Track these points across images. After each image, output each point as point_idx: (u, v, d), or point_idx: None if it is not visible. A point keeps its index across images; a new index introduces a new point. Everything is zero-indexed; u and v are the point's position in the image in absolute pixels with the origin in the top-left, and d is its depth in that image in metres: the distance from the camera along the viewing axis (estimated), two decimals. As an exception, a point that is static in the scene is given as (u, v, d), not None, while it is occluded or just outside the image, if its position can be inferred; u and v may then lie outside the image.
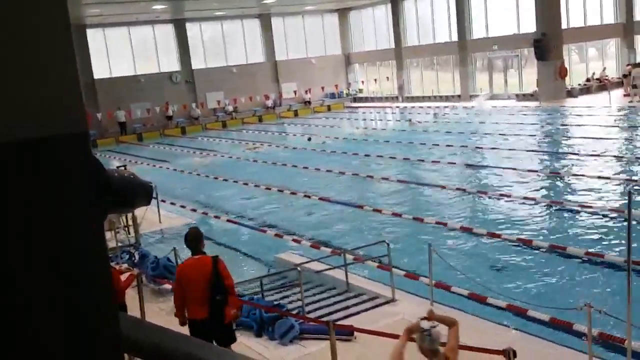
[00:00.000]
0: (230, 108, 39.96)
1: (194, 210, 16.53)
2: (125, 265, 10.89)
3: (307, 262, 10.03)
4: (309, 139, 27.97)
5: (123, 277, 7.49)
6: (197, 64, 39.72)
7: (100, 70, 36.27)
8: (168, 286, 9.71)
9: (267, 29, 42.18)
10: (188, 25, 39.23)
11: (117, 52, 37.53)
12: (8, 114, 1.28)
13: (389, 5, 41.15)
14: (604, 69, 35.08)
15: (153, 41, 38.79)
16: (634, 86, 28.87)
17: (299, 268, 8.93)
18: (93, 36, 36.10)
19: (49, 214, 1.34)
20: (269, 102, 41.22)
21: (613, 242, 10.59)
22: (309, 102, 42.17)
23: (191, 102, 39.02)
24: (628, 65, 32.13)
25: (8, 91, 1.28)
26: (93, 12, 30.93)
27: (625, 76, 31.83)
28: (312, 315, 8.28)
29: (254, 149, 27.29)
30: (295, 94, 42.21)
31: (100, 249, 1.45)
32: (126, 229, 13.16)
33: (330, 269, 9.85)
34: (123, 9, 31.37)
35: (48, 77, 1.32)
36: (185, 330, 6.44)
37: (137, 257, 11.15)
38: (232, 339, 6.73)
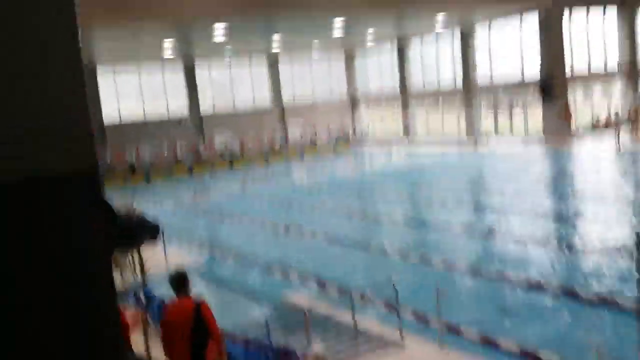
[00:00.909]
0: (238, 149, 40.25)
1: (201, 249, 16.48)
2: (131, 307, 10.82)
3: (314, 304, 9.93)
4: (301, 178, 28.57)
5: (129, 319, 7.43)
6: (205, 105, 40.18)
7: (109, 111, 36.73)
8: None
9: (274, 72, 42.75)
10: (197, 70, 39.80)
11: (127, 94, 38.05)
12: (21, 152, 1.29)
13: (395, 50, 41.71)
14: (609, 110, 35.21)
15: (162, 85, 39.34)
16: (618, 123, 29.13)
17: (305, 310, 8.83)
18: (103, 78, 36.66)
19: (59, 251, 1.34)
20: (276, 144, 41.51)
21: (622, 285, 10.45)
22: (316, 143, 42.39)
23: (199, 143, 39.35)
24: (633, 107, 32.24)
25: (23, 130, 1.29)
26: (104, 54, 31.46)
27: (630, 119, 31.92)
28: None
29: (246, 185, 27.77)
30: (302, 135, 42.52)
31: (109, 288, 1.44)
32: (132, 269, 13.12)
33: (337, 311, 9.75)
34: (134, 52, 31.92)
35: (61, 117, 1.34)
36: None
37: (143, 297, 11.07)
38: None
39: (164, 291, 11.24)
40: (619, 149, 27.91)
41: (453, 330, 8.78)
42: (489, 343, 8.42)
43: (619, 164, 24.25)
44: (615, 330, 8.81)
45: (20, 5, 1.29)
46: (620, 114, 30.62)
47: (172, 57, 36.01)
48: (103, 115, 36.14)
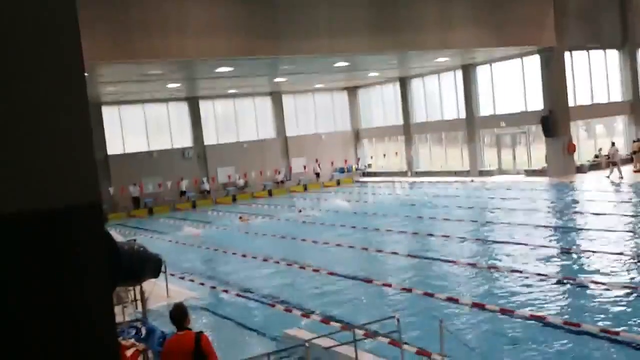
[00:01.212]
0: (242, 182, 40.36)
1: (203, 284, 16.43)
2: (131, 340, 10.75)
3: (315, 338, 9.85)
4: (300, 211, 28.98)
5: (129, 353, 7.39)
6: (209, 139, 40.43)
7: (114, 146, 36.97)
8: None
9: (278, 105, 43.10)
10: (201, 103, 40.16)
11: (131, 129, 38.35)
12: (23, 185, 1.32)
13: (397, 84, 42.10)
14: (613, 144, 35.28)
15: (167, 118, 39.66)
16: (614, 163, 29.50)
17: (307, 344, 8.77)
18: (108, 113, 36.99)
19: (58, 285, 1.36)
20: (279, 177, 41.64)
21: (627, 319, 10.37)
22: (319, 175, 42.44)
23: (202, 177, 39.48)
24: (636, 141, 32.39)
25: (24, 163, 1.33)
26: (109, 90, 31.83)
27: (634, 152, 32.04)
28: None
29: (246, 220, 28.16)
30: (305, 168, 42.64)
31: (109, 322, 1.46)
32: (134, 303, 13.06)
33: (339, 345, 9.67)
34: (138, 87, 32.30)
35: (64, 151, 1.38)
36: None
37: (143, 332, 10.99)
38: None
39: (166, 325, 11.18)
40: (613, 182, 28.04)
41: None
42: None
43: (612, 196, 24.23)
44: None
45: (27, 41, 1.33)
46: (615, 145, 30.80)
47: (176, 94, 36.46)
48: (107, 148, 36.36)
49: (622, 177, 28.76)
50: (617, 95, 36.00)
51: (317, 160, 42.56)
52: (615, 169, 29.16)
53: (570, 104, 32.96)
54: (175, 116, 40.00)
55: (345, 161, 44.45)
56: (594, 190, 26.56)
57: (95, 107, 35.08)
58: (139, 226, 31.15)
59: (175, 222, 31.56)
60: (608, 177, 28.78)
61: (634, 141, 32.67)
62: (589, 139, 36.21)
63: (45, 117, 1.39)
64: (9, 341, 1.33)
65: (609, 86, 35.70)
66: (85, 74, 1.46)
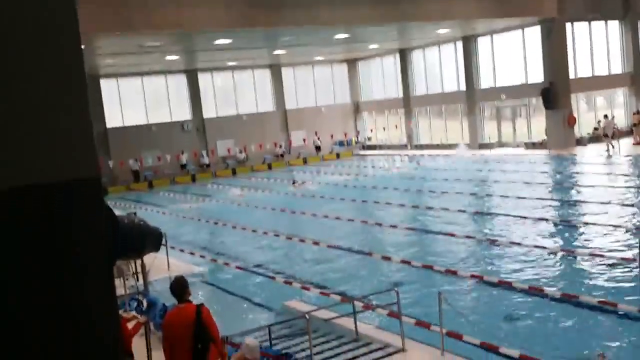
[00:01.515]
0: (242, 156, 40.25)
1: (203, 257, 16.51)
2: (133, 313, 10.84)
3: (315, 310, 9.94)
4: (294, 183, 29.54)
5: (130, 325, 7.45)
6: (208, 112, 40.26)
7: (113, 119, 36.83)
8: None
9: (277, 78, 42.83)
10: (200, 75, 39.91)
11: (130, 102, 38.16)
12: (22, 159, 1.31)
13: (397, 55, 41.80)
14: (613, 117, 35.18)
15: (165, 90, 39.45)
16: (605, 135, 29.49)
17: (307, 316, 8.84)
18: (107, 86, 36.77)
19: (59, 259, 1.36)
20: (279, 150, 41.47)
21: (625, 290, 10.44)
22: (319, 148, 42.29)
23: (202, 150, 39.40)
24: (636, 113, 32.28)
25: (22, 137, 1.31)
26: (107, 62, 31.59)
27: (634, 125, 31.95)
28: (320, 365, 8.16)
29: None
30: (305, 141, 42.51)
31: (109, 295, 1.46)
32: (135, 276, 13.13)
33: (339, 317, 9.76)
34: (137, 60, 32.04)
35: (62, 124, 1.36)
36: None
37: (145, 304, 11.08)
38: None
39: (167, 298, 11.26)
40: (610, 155, 28.04)
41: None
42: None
43: (612, 169, 24.22)
44: None
45: (23, 15, 1.31)
46: (609, 117, 30.71)
47: (175, 67, 36.18)
48: (106, 122, 36.23)
49: (613, 147, 28.73)
50: (617, 67, 35.77)
51: (317, 134, 42.42)
52: (611, 142, 29.11)
53: (571, 76, 32.78)
54: (174, 89, 39.77)
55: (345, 134, 44.32)
56: (594, 163, 26.56)
57: (93, 79, 34.86)
58: (139, 200, 31.20)
59: (175, 195, 31.59)
60: (607, 151, 28.72)
61: (634, 113, 32.55)
62: (589, 112, 36.08)
63: (42, 90, 1.37)
64: (7, 316, 1.33)
65: (610, 58, 35.46)
66: (82, 46, 1.43)
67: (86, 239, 1.46)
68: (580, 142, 32.90)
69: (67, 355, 1.40)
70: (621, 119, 35.27)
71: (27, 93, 1.39)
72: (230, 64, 39.34)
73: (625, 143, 30.29)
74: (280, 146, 41.68)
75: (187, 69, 38.97)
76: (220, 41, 27.48)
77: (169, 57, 32.48)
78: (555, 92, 31.70)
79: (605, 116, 31.06)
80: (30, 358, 1.36)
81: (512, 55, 34.83)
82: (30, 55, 1.36)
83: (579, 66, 34.28)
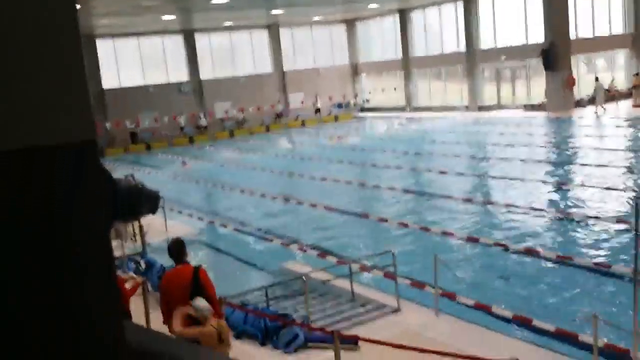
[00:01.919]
0: (241, 116, 40.00)
1: (201, 218, 16.58)
2: (130, 274, 10.93)
3: (312, 272, 10.03)
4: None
5: (128, 286, 7.52)
6: (205, 74, 39.93)
7: (109, 80, 36.54)
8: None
9: (275, 39, 42.36)
10: (197, 36, 39.47)
11: (127, 63, 37.80)
12: (17, 122, 1.30)
13: (397, 16, 41.28)
14: (613, 79, 34.98)
15: (162, 51, 39.05)
16: (594, 98, 29.97)
17: (304, 277, 8.92)
18: (102, 47, 36.38)
19: (56, 221, 1.36)
20: (278, 108, 41.01)
21: (620, 253, 10.53)
22: (319, 110, 42.03)
23: (199, 112, 39.20)
24: (636, 74, 32.08)
25: (17, 99, 1.30)
26: (103, 22, 31.18)
27: (634, 87, 31.77)
28: (317, 325, 8.27)
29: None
30: (303, 103, 42.23)
31: (107, 256, 1.47)
32: (133, 237, 13.22)
33: (335, 278, 9.86)
34: (133, 20, 31.63)
35: (57, 86, 1.35)
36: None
37: (143, 265, 11.18)
38: None
39: (164, 260, 11.36)
40: (599, 115, 28.12)
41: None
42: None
43: (620, 132, 24.18)
44: None
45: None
46: (599, 81, 30.62)
47: (171, 27, 35.74)
48: (103, 83, 35.95)
49: (603, 109, 28.91)
50: (619, 27, 35.37)
51: (317, 96, 42.04)
52: (602, 105, 29.20)
53: (572, 36, 32.43)
54: (170, 50, 39.35)
55: (344, 96, 44.04)
56: (592, 126, 26.49)
57: (89, 39, 34.47)
58: (136, 161, 31.18)
59: (173, 157, 31.57)
60: (596, 113, 28.93)
61: (635, 75, 32.34)
62: (589, 73, 35.83)
63: (35, 49, 1.35)
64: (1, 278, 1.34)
65: (611, 18, 35.04)
66: (77, 5, 1.41)
67: (84, 204, 1.45)
68: (579, 104, 32.76)
69: (67, 355, 1.41)
70: (621, 81, 35.08)
71: (18, 53, 1.37)
72: (228, 24, 38.86)
73: (625, 105, 30.17)
74: (278, 101, 41.19)
75: (184, 29, 38.51)
76: (217, 0, 27.09)
77: (165, 17, 32.06)
78: (555, 53, 31.41)
79: (596, 79, 30.93)
80: (30, 358, 1.38)
81: (513, 15, 34.39)
82: (23, 15, 1.34)
83: (580, 26, 33.90)
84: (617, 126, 25.77)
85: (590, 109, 30.93)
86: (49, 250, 1.40)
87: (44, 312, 1.37)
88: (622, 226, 11.87)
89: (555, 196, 15.35)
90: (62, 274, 1.43)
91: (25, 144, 1.36)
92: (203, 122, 39.10)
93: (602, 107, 28.97)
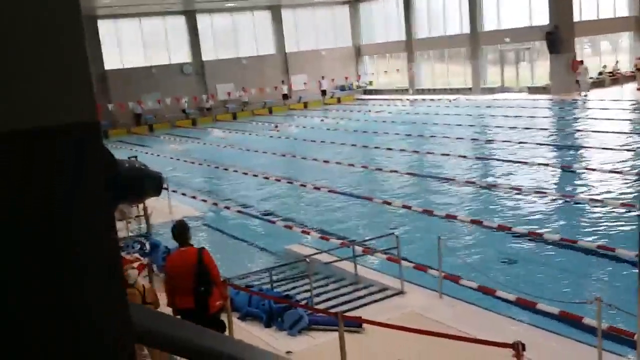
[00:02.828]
0: (246, 99, 39.77)
1: (205, 200, 16.59)
2: (135, 255, 10.97)
3: (316, 254, 10.05)
4: (276, 127, 30.59)
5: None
6: (207, 55, 39.75)
7: (111, 61, 36.40)
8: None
9: (277, 20, 42.11)
10: (199, 17, 39.23)
11: (129, 44, 37.63)
12: (17, 103, 1.28)
13: (400, -2, 40.98)
14: (617, 62, 34.78)
15: (164, 32, 38.86)
16: (577, 82, 30.53)
17: (308, 259, 8.95)
18: (105, 27, 36.19)
19: (58, 203, 1.34)
20: (283, 89, 40.80)
21: (624, 236, 10.52)
22: (325, 92, 41.78)
23: (201, 94, 39.07)
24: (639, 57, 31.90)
25: (17, 80, 1.28)
26: (105, 3, 31.00)
27: (638, 69, 31.59)
28: (321, 307, 8.30)
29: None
30: (305, 85, 42.03)
31: (111, 238, 1.45)
32: (137, 219, 13.24)
33: (339, 260, 9.87)
34: (134, 0, 31.44)
35: (58, 66, 1.32)
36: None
37: (147, 247, 11.21)
38: (219, 330, 6.76)
39: (168, 241, 11.38)
40: (580, 94, 28.77)
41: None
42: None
43: (624, 115, 24.06)
44: None
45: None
46: (584, 64, 30.64)
47: (173, 8, 35.56)
48: (105, 64, 35.80)
49: (586, 95, 29.50)
50: (623, 9, 35.07)
51: (323, 78, 41.72)
52: (587, 89, 29.85)
53: (576, 19, 32.17)
54: (172, 31, 39.15)
55: (346, 78, 43.84)
56: (596, 108, 26.36)
57: (90, 20, 34.27)
58: (139, 143, 31.15)
59: (176, 139, 31.53)
60: (582, 94, 29.49)
61: (638, 58, 32.13)
62: (594, 56, 35.60)
63: (36, 29, 1.32)
64: (3, 264, 1.32)
65: (615, 0, 34.71)
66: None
67: (86, 183, 1.43)
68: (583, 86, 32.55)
69: (67, 355, 1.40)
70: (625, 64, 34.88)
71: (19, 34, 1.34)
72: (230, 5, 38.62)
73: (629, 88, 30.00)
74: (283, 83, 40.97)
75: (186, 9, 38.27)
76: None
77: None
78: (559, 35, 31.18)
79: (581, 62, 30.91)
80: (30, 358, 1.36)
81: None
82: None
83: (584, 9, 33.61)
84: (622, 109, 25.61)
85: (597, 92, 30.82)
86: (50, 235, 1.38)
87: (44, 312, 1.35)
88: (627, 209, 11.84)
89: (559, 179, 15.32)
90: (65, 259, 1.41)
91: (23, 125, 1.33)
92: (207, 104, 38.95)
93: (587, 92, 29.37)
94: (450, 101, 34.51)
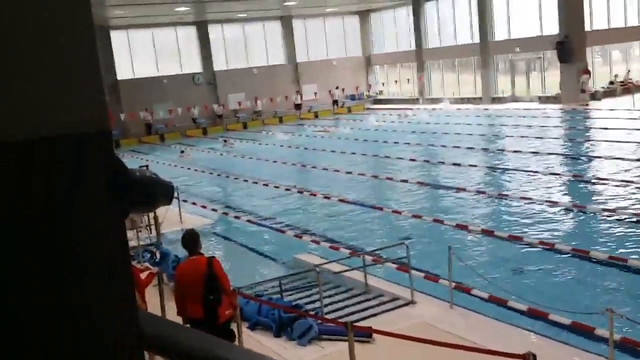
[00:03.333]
0: (259, 107, 39.80)
1: (215, 210, 16.62)
2: (146, 264, 10.99)
3: (326, 263, 10.03)
4: (225, 142, 30.81)
5: (143, 275, 7.56)
6: (218, 65, 39.97)
7: (123, 71, 36.67)
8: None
9: (288, 30, 42.29)
10: (210, 27, 39.48)
11: (141, 54, 37.91)
12: (31, 112, 1.30)
13: (410, 7, 41.03)
14: (629, 71, 34.61)
15: (176, 43, 39.12)
16: (582, 91, 30.79)
17: (317, 269, 8.93)
18: (117, 38, 36.49)
19: (70, 213, 1.35)
20: (296, 99, 40.92)
21: (637, 247, 10.44)
22: (337, 102, 41.84)
23: (212, 103, 39.24)
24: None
25: (31, 90, 1.30)
26: (117, 13, 31.26)
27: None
28: (330, 316, 8.27)
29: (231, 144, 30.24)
30: (316, 95, 42.10)
31: (122, 247, 1.46)
32: (148, 228, 13.28)
33: (349, 270, 9.85)
34: (146, 11, 31.68)
35: (71, 76, 1.34)
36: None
37: (158, 256, 11.24)
38: (229, 339, 6.75)
39: (178, 251, 11.40)
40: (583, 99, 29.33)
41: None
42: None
43: (635, 125, 23.91)
44: None
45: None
46: (588, 72, 31.06)
47: (185, 18, 35.77)
48: (117, 74, 36.07)
49: (587, 104, 29.84)
50: (634, 19, 34.93)
51: (337, 87, 41.79)
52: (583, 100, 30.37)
53: (587, 28, 32.06)
54: (184, 41, 39.42)
55: (357, 88, 43.89)
56: (607, 118, 26.20)
57: (103, 30, 34.57)
58: (150, 152, 31.29)
59: (187, 148, 31.64)
60: (582, 105, 29.86)
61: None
62: (604, 65, 35.45)
63: (49, 39, 1.34)
64: (10, 271, 1.33)
65: (626, 9, 34.59)
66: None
67: (98, 191, 1.44)
68: (594, 96, 32.43)
69: (67, 355, 1.41)
70: (636, 73, 34.70)
71: (32, 43, 1.36)
72: (241, 15, 38.84)
73: (640, 98, 29.80)
74: (298, 92, 41.07)
75: (197, 20, 38.53)
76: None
77: (178, 8, 32.07)
78: (570, 45, 31.09)
79: (585, 71, 30.88)
80: (30, 358, 1.37)
81: (528, 6, 34.04)
82: (35, 6, 1.33)
83: (595, 18, 33.52)
84: (633, 118, 25.44)
85: (608, 101, 30.70)
86: (63, 243, 1.39)
87: (44, 312, 1.36)
88: (638, 219, 11.75)
89: (571, 189, 15.23)
90: (77, 268, 1.42)
91: (37, 135, 1.35)
92: (219, 110, 39.11)
93: (586, 102, 29.68)
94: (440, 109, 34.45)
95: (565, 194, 14.73)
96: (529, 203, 13.82)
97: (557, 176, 16.40)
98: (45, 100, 1.32)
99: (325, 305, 8.65)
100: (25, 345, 1.32)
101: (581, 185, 15.45)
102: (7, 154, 1.26)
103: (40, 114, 1.31)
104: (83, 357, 1.39)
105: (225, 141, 31.15)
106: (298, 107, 40.99)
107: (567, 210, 13.20)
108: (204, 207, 16.97)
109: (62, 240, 1.35)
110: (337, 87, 41.67)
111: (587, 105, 30.09)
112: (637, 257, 9.84)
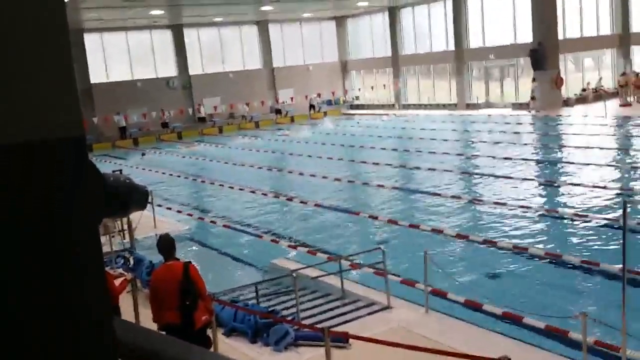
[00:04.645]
0: (246, 109, 39.57)
1: (190, 215, 16.50)
2: (119, 270, 10.87)
3: (302, 268, 10.00)
4: (143, 155, 30.58)
5: (117, 282, 7.48)
6: (194, 69, 39.77)
7: (97, 75, 36.28)
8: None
9: (264, 35, 42.26)
10: (186, 31, 39.28)
11: (115, 57, 37.56)
12: (2, 117, 1.27)
13: (386, 14, 41.29)
14: (600, 79, 35.24)
15: (150, 46, 38.84)
16: (532, 98, 31.76)
17: (294, 274, 8.90)
18: (91, 41, 36.09)
19: (43, 218, 1.33)
20: (276, 104, 40.95)
21: (608, 251, 10.59)
22: (313, 107, 41.93)
23: (188, 108, 39.00)
24: (622, 74, 32.31)
25: (2, 94, 1.27)
26: (91, 16, 30.95)
27: (621, 86, 32.03)
28: (307, 322, 8.25)
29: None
30: (292, 100, 42.12)
31: (95, 253, 1.44)
32: (121, 233, 13.13)
33: (325, 275, 9.83)
34: (121, 14, 31.42)
35: (44, 81, 1.32)
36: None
37: (132, 261, 11.12)
38: (205, 346, 6.69)
39: (153, 256, 11.29)
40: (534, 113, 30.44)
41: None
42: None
43: (607, 131, 24.34)
44: None
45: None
46: (535, 81, 31.79)
47: (160, 22, 35.57)
48: (90, 77, 35.67)
49: (538, 111, 30.91)
50: (606, 28, 35.61)
51: (318, 95, 41.95)
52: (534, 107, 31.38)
53: (560, 36, 32.62)
54: (159, 45, 39.13)
55: (333, 93, 44.01)
56: (579, 124, 26.63)
57: (77, 34, 34.17)
58: (124, 157, 31.00)
59: (161, 153, 31.41)
60: (529, 111, 31.11)
61: (621, 74, 32.57)
62: (577, 72, 36.05)
63: (20, 42, 1.31)
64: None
65: (599, 18, 35.27)
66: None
67: (71, 197, 1.42)
68: (567, 103, 32.94)
69: (67, 355, 1.38)
70: (608, 81, 35.36)
71: (5, 48, 1.33)
72: (217, 19, 38.72)
73: (612, 104, 30.34)
74: (276, 100, 41.12)
75: (172, 24, 38.31)
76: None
77: (153, 12, 31.86)
78: (543, 52, 31.56)
79: (533, 80, 31.54)
80: (30, 358, 1.34)
81: (502, 14, 34.51)
82: (8, 8, 1.30)
83: (568, 27, 34.09)
84: (604, 125, 25.88)
85: (580, 108, 31.20)
86: (35, 249, 1.37)
87: (44, 312, 1.34)
88: (610, 224, 11.94)
89: (544, 194, 15.42)
90: (50, 274, 1.40)
91: (9, 140, 1.32)
92: (202, 112, 39.02)
93: (536, 108, 30.82)
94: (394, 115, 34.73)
95: (538, 199, 14.89)
96: (503, 208, 13.95)
97: (530, 181, 16.59)
98: (17, 105, 1.29)
99: (302, 311, 8.63)
100: (25, 345, 1.30)
101: (553, 190, 15.65)
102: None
103: (11, 120, 1.28)
104: (83, 357, 1.38)
105: (143, 154, 30.80)
106: (278, 112, 41.03)
107: (541, 215, 13.36)
108: (178, 211, 16.84)
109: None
110: (318, 95, 41.87)
111: (537, 112, 31.03)
112: (609, 261, 9.98)
